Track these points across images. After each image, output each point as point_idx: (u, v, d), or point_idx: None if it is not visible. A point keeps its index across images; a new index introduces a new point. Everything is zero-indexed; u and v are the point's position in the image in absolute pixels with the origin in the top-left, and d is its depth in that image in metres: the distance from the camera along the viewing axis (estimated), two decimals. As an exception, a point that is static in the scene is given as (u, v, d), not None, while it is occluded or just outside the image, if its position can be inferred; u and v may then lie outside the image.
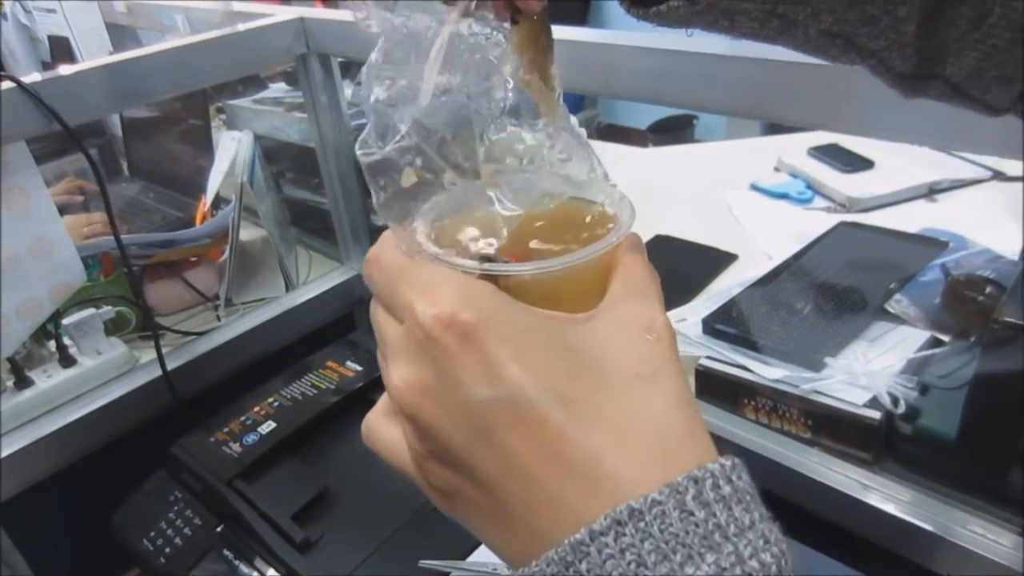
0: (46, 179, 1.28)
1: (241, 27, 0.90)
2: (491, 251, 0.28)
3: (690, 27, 0.29)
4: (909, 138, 0.56)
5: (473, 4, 0.27)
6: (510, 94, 0.28)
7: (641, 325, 0.26)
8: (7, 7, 1.63)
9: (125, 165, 1.49)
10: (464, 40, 0.28)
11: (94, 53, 1.45)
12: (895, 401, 0.69)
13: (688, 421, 0.24)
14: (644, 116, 3.73)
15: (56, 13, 1.49)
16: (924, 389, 0.70)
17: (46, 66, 1.63)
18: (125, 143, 1.47)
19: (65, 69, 0.77)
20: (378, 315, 0.28)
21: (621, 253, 0.29)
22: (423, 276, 0.26)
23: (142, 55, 0.80)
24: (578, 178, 0.30)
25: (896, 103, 0.33)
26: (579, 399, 0.23)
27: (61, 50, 1.52)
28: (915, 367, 0.73)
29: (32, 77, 0.73)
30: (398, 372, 0.25)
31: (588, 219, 0.30)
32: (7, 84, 0.70)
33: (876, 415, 0.68)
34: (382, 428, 0.28)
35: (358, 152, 0.28)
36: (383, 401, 0.28)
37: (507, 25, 0.29)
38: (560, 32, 0.67)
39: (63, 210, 1.12)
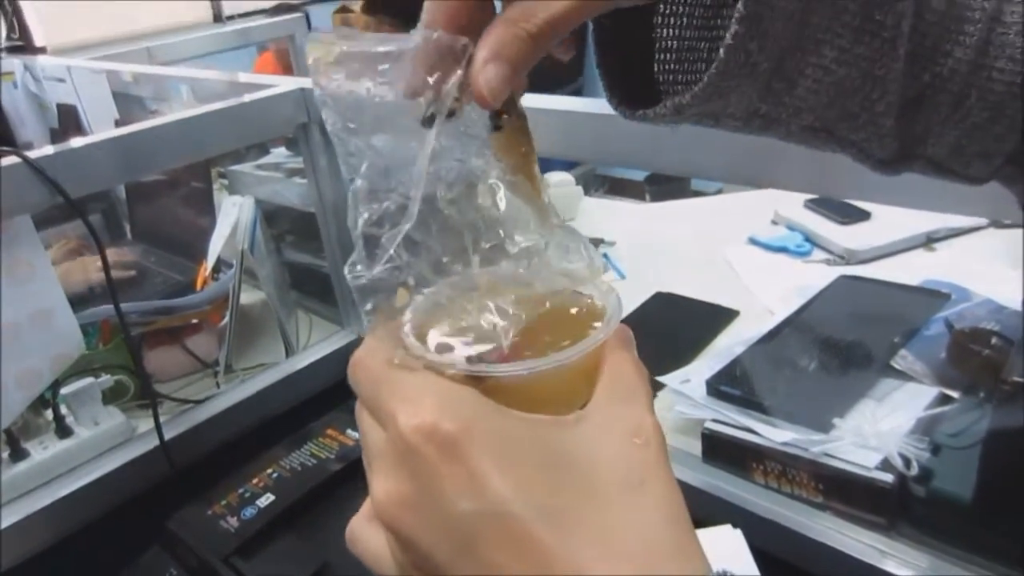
0: (49, 243, 1.29)
1: (247, 98, 0.92)
2: (476, 351, 0.27)
3: (676, 124, 0.30)
4: (905, 202, 0.57)
5: (454, 113, 0.27)
6: (500, 200, 0.29)
7: (628, 429, 0.26)
8: (17, 76, 1.66)
9: (128, 229, 1.50)
10: (449, 151, 0.28)
11: (101, 121, 1.48)
12: (907, 463, 0.67)
13: (678, 534, 0.24)
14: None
15: (65, 82, 1.52)
16: (936, 449, 0.69)
17: (54, 133, 1.66)
18: (128, 207, 1.48)
19: (74, 142, 0.78)
20: (363, 419, 0.27)
21: (609, 350, 0.28)
22: (406, 383, 0.26)
23: (146, 128, 0.81)
24: (577, 274, 0.30)
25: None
26: (564, 511, 0.23)
27: (69, 118, 1.54)
28: (925, 426, 0.72)
29: (39, 151, 0.73)
30: (380, 482, 0.25)
31: (575, 314, 0.30)
32: (12, 159, 0.70)
33: (888, 478, 0.67)
34: (366, 533, 0.27)
35: (347, 276, 0.28)
36: (367, 506, 0.28)
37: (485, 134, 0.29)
38: (553, 102, 0.68)
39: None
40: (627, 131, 0.67)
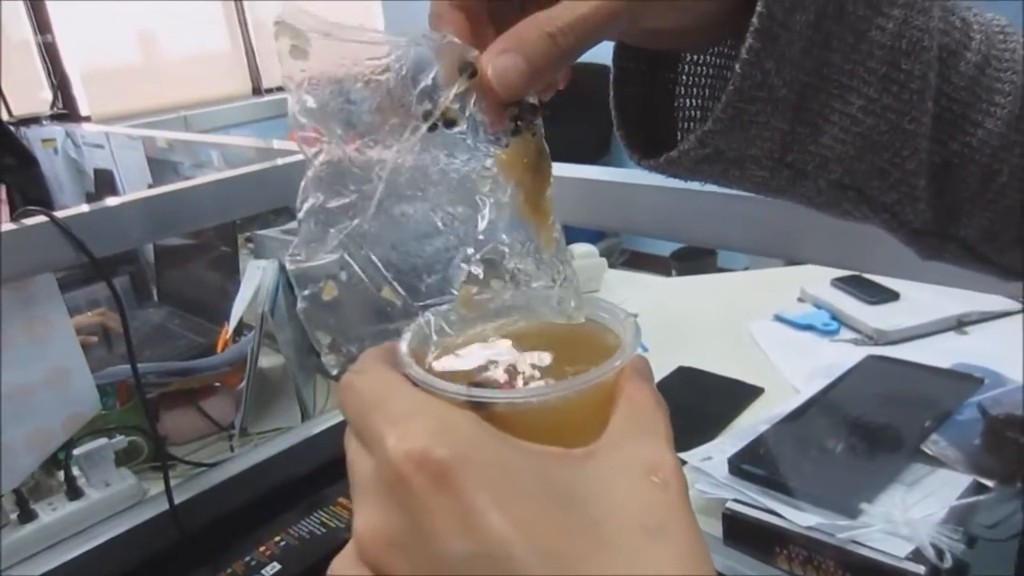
0: (79, 305, 1.31)
1: (280, 162, 0.94)
2: (479, 376, 0.25)
3: (702, 177, 0.29)
4: (935, 278, 0.55)
5: (455, 123, 0.26)
6: (491, 217, 0.27)
7: (646, 467, 0.23)
8: (58, 143, 1.73)
9: (155, 291, 1.53)
10: (442, 164, 0.27)
11: (135, 185, 1.53)
12: (940, 554, 0.64)
13: None
14: (667, 243, 3.77)
15: (104, 148, 1.58)
16: (971, 541, 0.65)
17: (90, 196, 1.72)
18: (156, 270, 1.51)
19: (98, 203, 0.80)
20: (351, 447, 0.25)
21: (625, 380, 0.26)
22: (397, 406, 0.23)
23: (170, 190, 0.83)
24: (566, 307, 0.27)
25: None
26: (573, 557, 0.20)
27: (104, 182, 1.60)
28: (959, 516, 0.69)
29: (65, 211, 0.75)
30: (364, 517, 0.23)
31: (588, 340, 0.27)
32: (40, 218, 0.72)
33: (921, 570, 0.63)
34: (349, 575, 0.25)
35: (287, 259, 0.27)
36: (351, 546, 0.25)
37: (494, 149, 0.28)
38: (580, 171, 0.68)
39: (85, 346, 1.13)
40: (654, 201, 0.67)
